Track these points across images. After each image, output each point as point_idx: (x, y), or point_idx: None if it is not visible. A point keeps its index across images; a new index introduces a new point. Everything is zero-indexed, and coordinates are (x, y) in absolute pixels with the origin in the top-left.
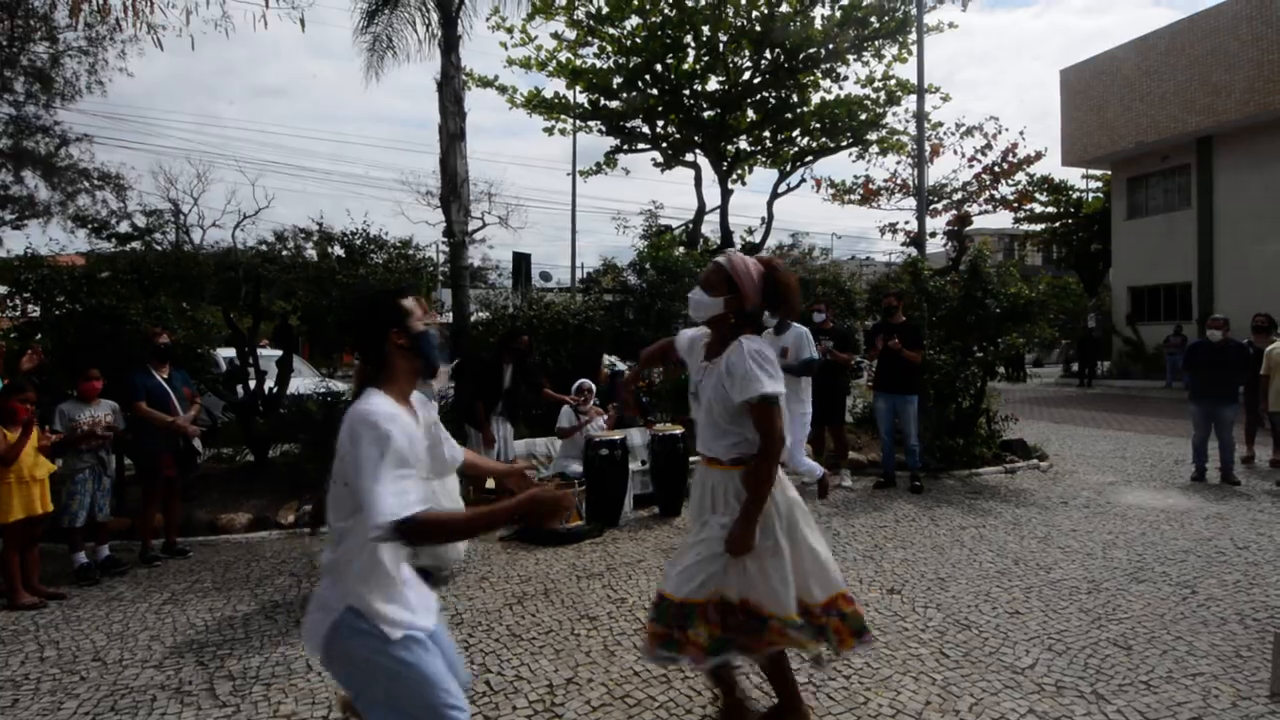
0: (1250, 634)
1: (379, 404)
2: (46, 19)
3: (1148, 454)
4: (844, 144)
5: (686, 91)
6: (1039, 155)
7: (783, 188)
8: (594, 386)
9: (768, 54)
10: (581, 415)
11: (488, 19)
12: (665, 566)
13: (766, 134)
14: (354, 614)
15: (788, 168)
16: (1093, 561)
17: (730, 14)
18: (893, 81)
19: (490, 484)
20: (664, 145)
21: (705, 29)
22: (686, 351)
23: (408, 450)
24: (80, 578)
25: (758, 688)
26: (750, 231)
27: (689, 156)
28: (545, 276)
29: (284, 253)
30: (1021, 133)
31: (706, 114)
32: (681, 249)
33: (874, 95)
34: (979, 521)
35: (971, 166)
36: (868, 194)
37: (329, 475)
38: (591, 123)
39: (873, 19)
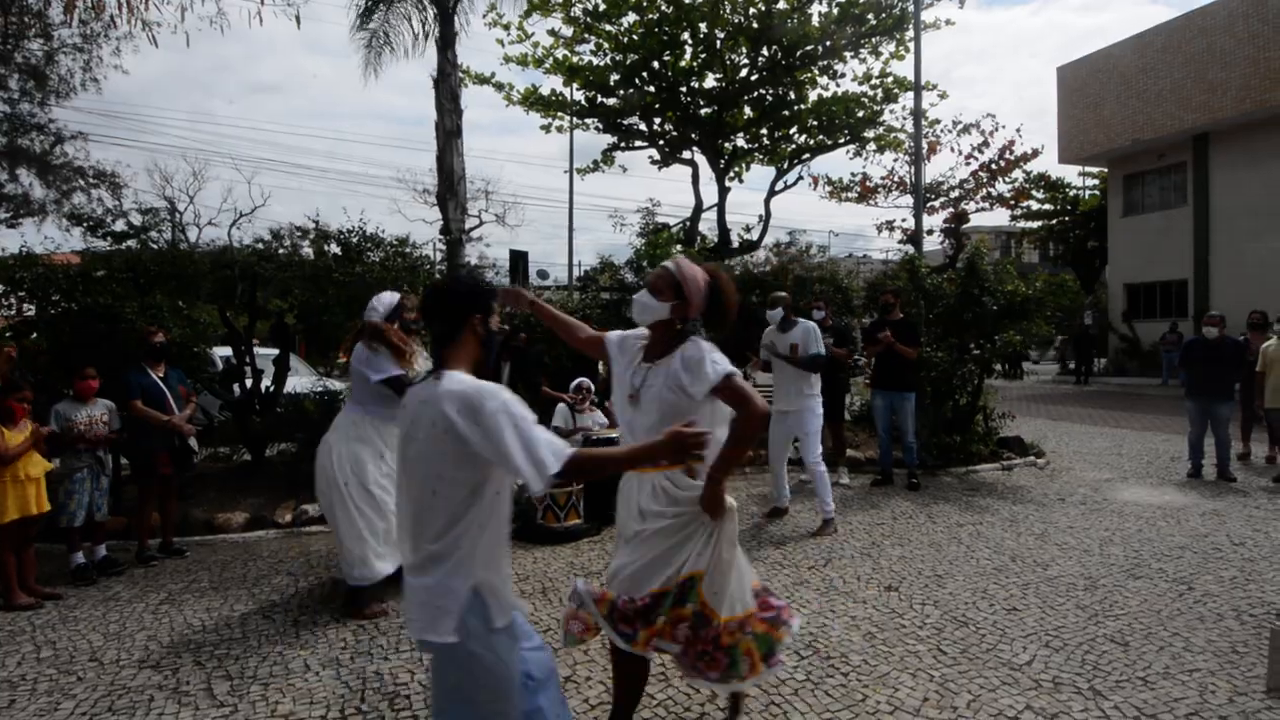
0: (1246, 630)
1: (473, 379)
2: (41, 15)
3: (1144, 451)
4: (841, 141)
5: (683, 89)
6: (1036, 153)
7: (780, 185)
8: (592, 385)
9: (765, 51)
10: (578, 415)
11: (484, 16)
12: (607, 576)
13: (764, 131)
14: (475, 595)
15: (785, 165)
16: (1090, 558)
17: (727, 11)
18: (890, 79)
19: None
20: (661, 143)
21: (702, 26)
22: (616, 349)
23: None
24: (77, 578)
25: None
26: (748, 229)
27: (686, 154)
28: (542, 274)
29: (280, 251)
30: (1018, 130)
31: (704, 111)
32: (679, 247)
33: (871, 92)
34: (976, 518)
35: (968, 164)
36: (865, 191)
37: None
38: (588, 120)
39: (870, 16)
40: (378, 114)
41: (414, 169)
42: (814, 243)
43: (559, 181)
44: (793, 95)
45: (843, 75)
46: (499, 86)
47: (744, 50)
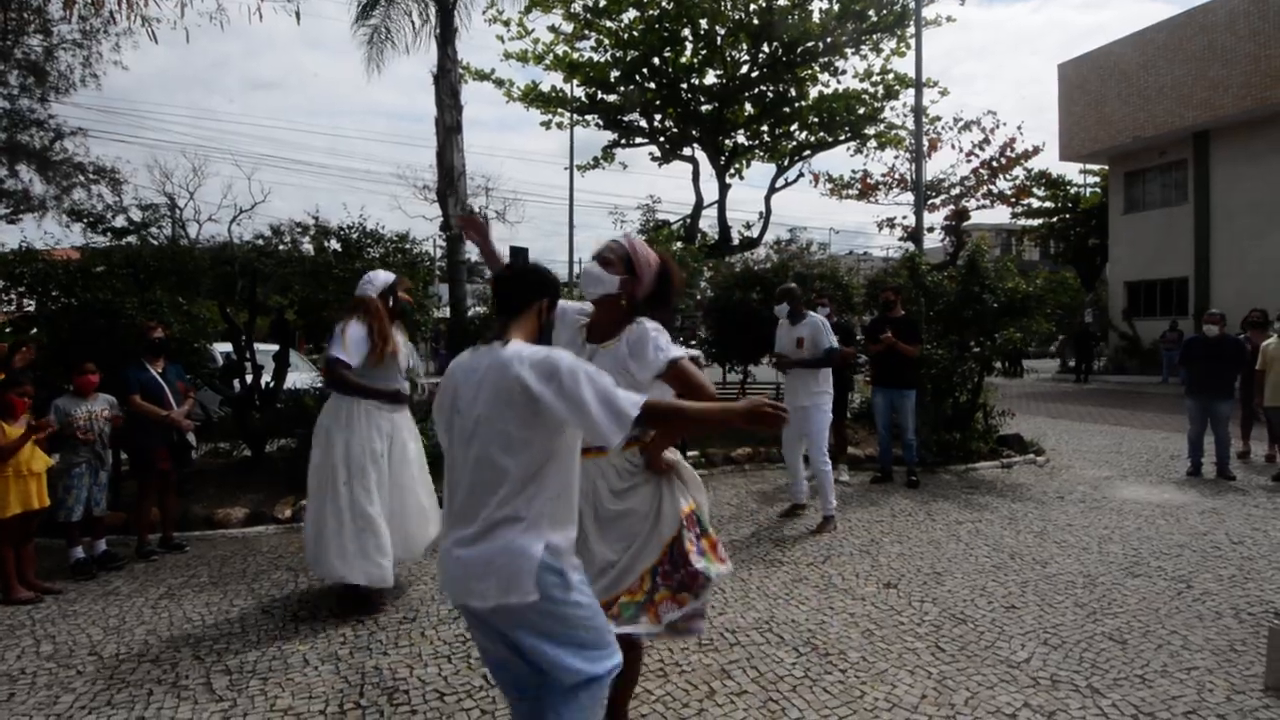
0: (1245, 628)
1: (539, 346)
2: (40, 12)
3: (1144, 449)
4: (842, 139)
5: (684, 85)
6: (1036, 150)
7: (780, 182)
8: None
9: (765, 48)
10: None
11: (484, 12)
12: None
13: (764, 128)
14: (550, 552)
15: (785, 162)
16: (1088, 556)
17: (728, 7)
18: (890, 76)
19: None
20: (661, 139)
21: (703, 22)
22: (556, 318)
23: None
24: (76, 572)
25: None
26: (748, 226)
27: (686, 151)
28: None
29: (280, 247)
30: (1019, 127)
31: (704, 108)
32: (679, 244)
33: (872, 89)
34: (975, 516)
35: (969, 161)
36: (865, 189)
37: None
38: (589, 117)
39: (871, 13)
40: (378, 110)
41: (414, 165)
42: (814, 240)
43: (559, 178)
44: (793, 92)
45: (843, 72)
46: (499, 83)
47: (745, 47)
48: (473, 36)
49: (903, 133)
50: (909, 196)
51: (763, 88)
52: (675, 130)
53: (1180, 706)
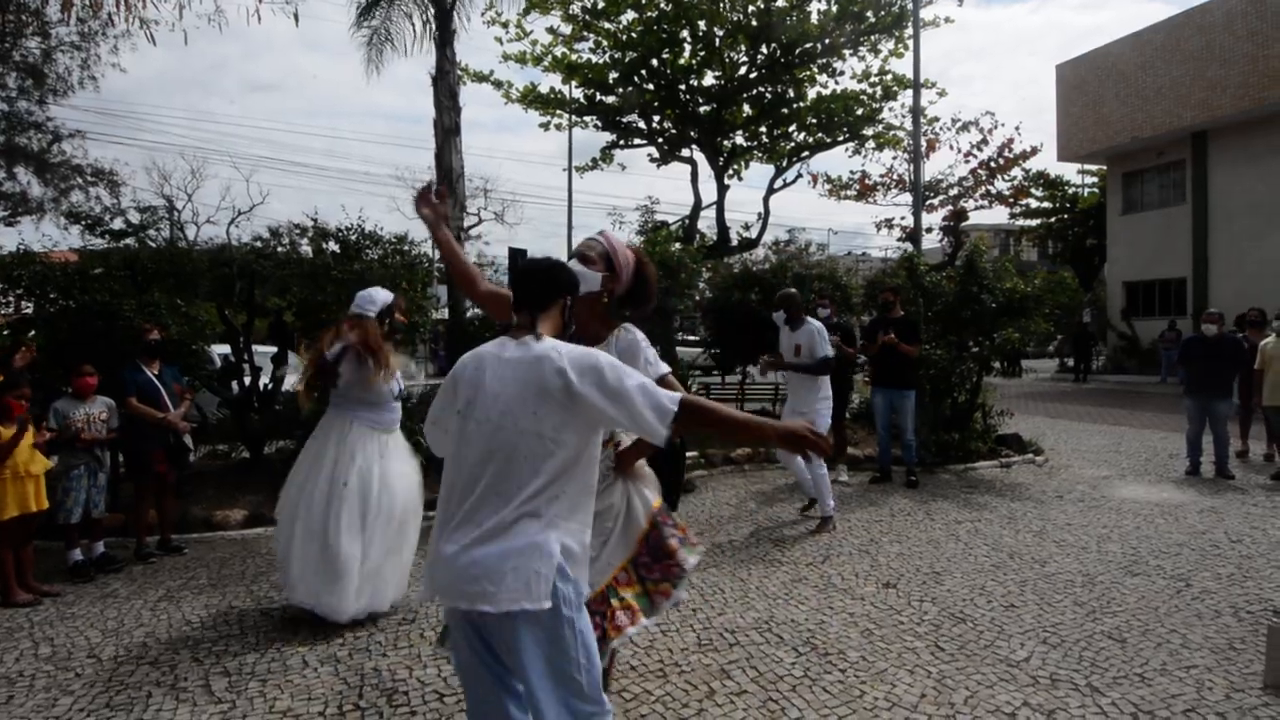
0: (1244, 626)
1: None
2: (39, 14)
3: (1142, 448)
4: (840, 139)
5: (682, 87)
6: (1035, 150)
7: (779, 183)
8: None
9: (764, 49)
10: None
11: (483, 14)
12: None
13: (763, 129)
14: (566, 555)
15: (784, 163)
16: (1087, 555)
17: (726, 8)
18: (889, 77)
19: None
20: (660, 141)
21: (701, 24)
22: None
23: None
24: (75, 574)
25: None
26: (747, 227)
27: (685, 152)
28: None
29: (279, 249)
30: (1017, 128)
31: (702, 109)
32: (678, 245)
33: (870, 90)
34: (974, 516)
35: (967, 162)
36: (864, 189)
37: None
38: (587, 118)
39: (869, 13)
40: (376, 112)
41: (413, 167)
42: (813, 240)
43: (558, 179)
44: (792, 93)
45: (842, 73)
46: (497, 84)
47: (743, 48)
48: (471, 38)
49: (901, 133)
50: (907, 197)
51: (761, 89)
52: (674, 131)
53: (1180, 705)
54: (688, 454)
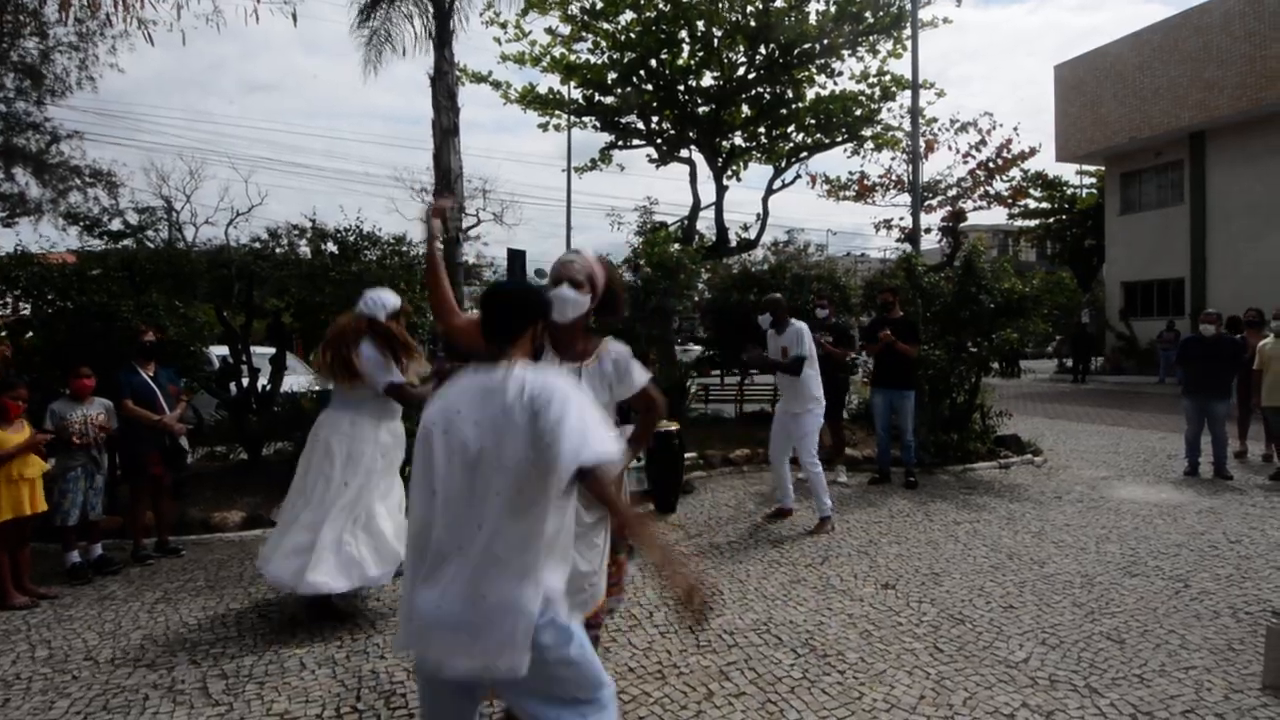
0: (1242, 627)
1: (546, 374)
2: (36, 14)
3: (1141, 449)
4: (839, 140)
5: (681, 87)
6: (1033, 151)
7: (778, 184)
8: None
9: (763, 49)
10: None
11: (481, 14)
12: None
13: (761, 130)
14: (546, 603)
15: (783, 164)
16: (1086, 556)
17: (725, 9)
18: (887, 77)
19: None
20: (659, 141)
21: (700, 24)
22: None
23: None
24: (72, 577)
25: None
26: (745, 228)
27: (684, 153)
28: (540, 273)
29: (277, 250)
30: (1016, 128)
31: (701, 110)
32: (677, 245)
33: (869, 91)
34: (973, 516)
35: (966, 162)
36: (863, 190)
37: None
38: (586, 119)
39: (867, 14)
40: (375, 112)
41: (411, 167)
42: (812, 241)
43: (556, 180)
44: (790, 94)
45: (840, 74)
46: (496, 85)
47: (742, 49)
48: (470, 38)
49: (899, 134)
50: (906, 198)
51: (760, 89)
52: (672, 132)
53: (1178, 706)
54: (686, 455)
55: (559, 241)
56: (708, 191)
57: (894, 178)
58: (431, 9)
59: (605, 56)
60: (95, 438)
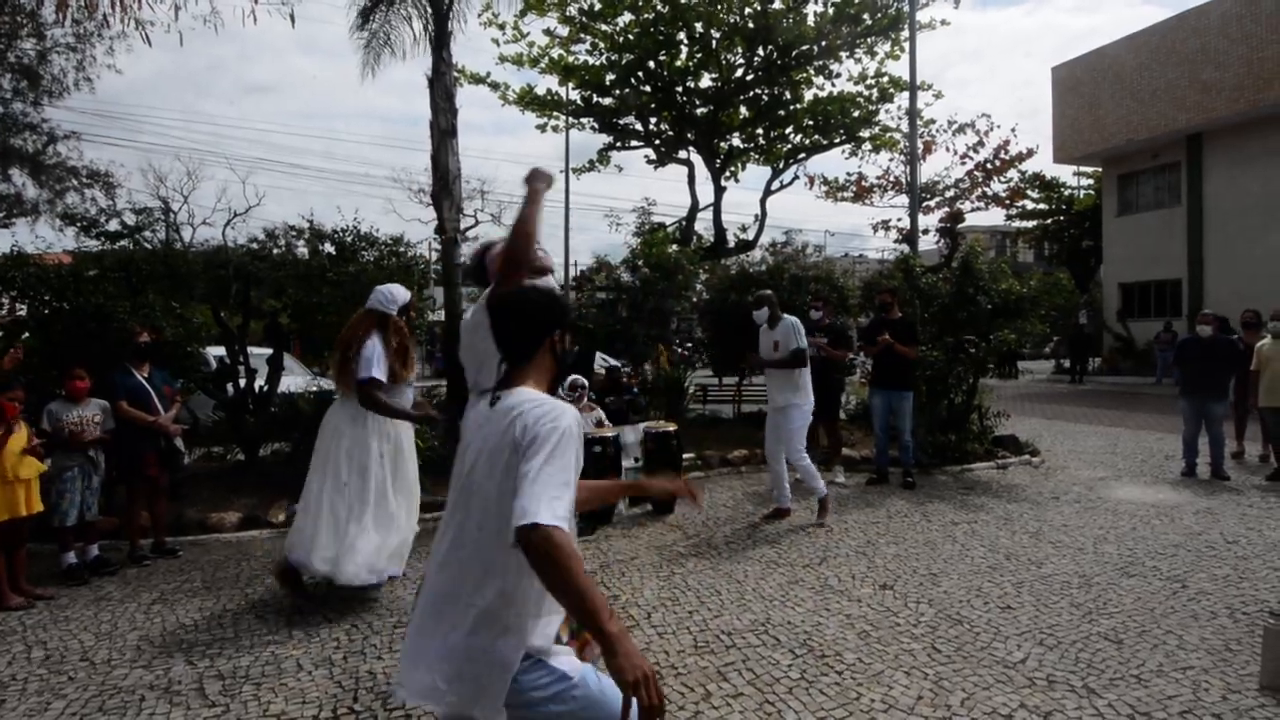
0: (1240, 627)
1: (547, 396)
2: (33, 15)
3: (1138, 449)
4: (837, 141)
5: (679, 88)
6: (1030, 152)
7: (776, 185)
8: (586, 382)
9: (761, 51)
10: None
11: (480, 15)
12: None
13: (759, 131)
14: (533, 660)
15: (781, 165)
16: (1084, 556)
17: (723, 10)
18: (885, 79)
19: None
20: (657, 142)
21: (698, 26)
22: (471, 332)
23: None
24: (69, 578)
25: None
26: (744, 229)
27: (682, 154)
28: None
29: (274, 251)
30: (1013, 130)
31: (699, 111)
32: (675, 246)
33: (866, 92)
34: (971, 517)
35: (963, 163)
36: (861, 191)
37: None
38: (584, 120)
39: (865, 16)
40: (373, 113)
41: (409, 168)
42: (810, 242)
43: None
44: (788, 95)
45: (838, 75)
46: (494, 86)
47: (740, 50)
48: (468, 40)
49: (897, 135)
50: (904, 199)
51: (758, 91)
52: (670, 133)
53: (1176, 706)
54: (684, 455)
55: (557, 243)
56: (706, 192)
57: (892, 179)
58: (430, 10)
59: (603, 58)
60: (93, 438)
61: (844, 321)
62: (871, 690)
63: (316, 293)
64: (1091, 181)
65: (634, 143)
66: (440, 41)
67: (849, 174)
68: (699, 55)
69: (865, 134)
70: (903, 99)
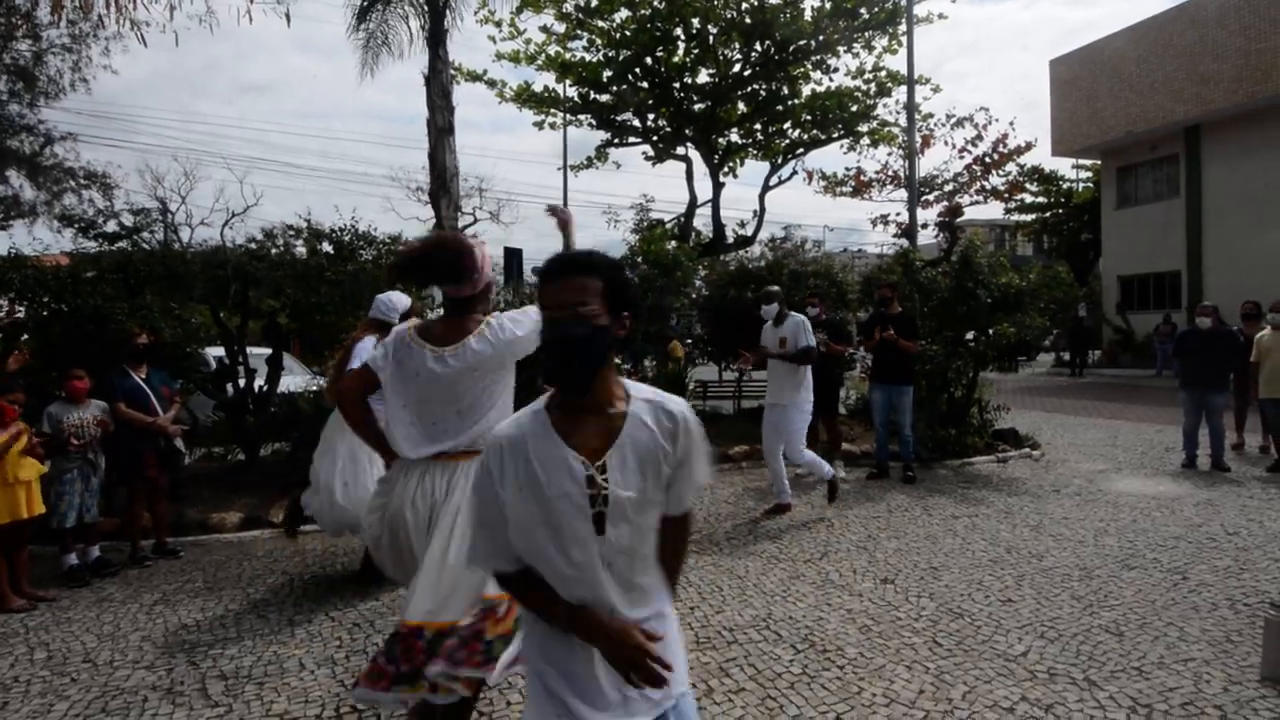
0: (1241, 619)
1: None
2: (29, 16)
3: (1138, 442)
4: (835, 136)
5: (677, 84)
6: (1029, 146)
7: (774, 180)
8: None
9: (758, 46)
10: None
11: (476, 13)
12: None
13: (757, 126)
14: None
15: (779, 160)
16: (1084, 549)
17: (720, 6)
18: (883, 73)
19: None
20: (655, 139)
21: (695, 21)
22: (395, 361)
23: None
24: (70, 579)
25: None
26: (742, 225)
27: (680, 150)
28: (537, 272)
29: (273, 250)
30: (1011, 123)
31: (697, 107)
32: (673, 243)
33: (864, 87)
34: (971, 511)
35: (962, 157)
36: (859, 186)
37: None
38: (582, 117)
39: (862, 10)
40: (370, 112)
41: (407, 166)
42: (809, 237)
43: (553, 178)
44: (786, 90)
45: (836, 70)
46: (491, 83)
47: (737, 45)
48: (465, 37)
49: (896, 129)
50: (903, 193)
51: (755, 86)
52: (668, 129)
53: (1177, 698)
54: None
55: (556, 241)
56: (704, 188)
57: (890, 173)
58: (426, 8)
59: (600, 54)
60: (92, 439)
61: (842, 316)
62: (873, 684)
63: (315, 292)
64: (1090, 174)
65: (632, 139)
66: (436, 39)
67: (848, 169)
68: (696, 51)
69: (864, 128)
70: (901, 93)
